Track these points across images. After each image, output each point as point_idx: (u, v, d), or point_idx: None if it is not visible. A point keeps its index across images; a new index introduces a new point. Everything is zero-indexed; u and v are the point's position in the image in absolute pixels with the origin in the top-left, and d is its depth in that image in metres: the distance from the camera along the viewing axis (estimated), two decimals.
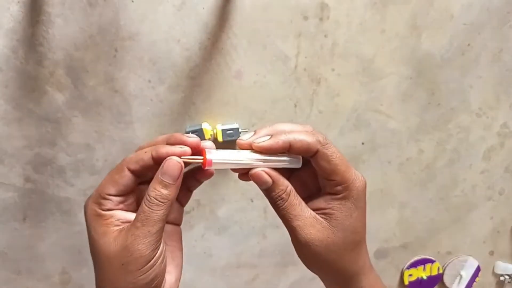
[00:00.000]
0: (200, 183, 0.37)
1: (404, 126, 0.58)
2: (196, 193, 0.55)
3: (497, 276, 0.70)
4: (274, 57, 0.51)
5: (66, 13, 0.46)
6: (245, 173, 0.34)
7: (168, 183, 0.31)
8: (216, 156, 0.32)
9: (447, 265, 0.67)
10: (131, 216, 0.32)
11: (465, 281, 0.68)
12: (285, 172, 0.35)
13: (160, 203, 0.31)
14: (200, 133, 0.50)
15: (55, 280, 0.55)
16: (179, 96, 0.51)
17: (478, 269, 0.68)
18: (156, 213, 0.31)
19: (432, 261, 0.66)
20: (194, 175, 0.36)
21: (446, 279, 0.68)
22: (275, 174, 0.33)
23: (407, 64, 0.55)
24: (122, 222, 0.32)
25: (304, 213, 0.33)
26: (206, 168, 0.33)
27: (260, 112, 0.53)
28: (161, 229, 0.31)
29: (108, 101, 0.49)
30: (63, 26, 0.46)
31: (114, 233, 0.31)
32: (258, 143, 0.32)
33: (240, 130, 0.52)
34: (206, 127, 0.50)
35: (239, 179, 0.51)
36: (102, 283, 0.32)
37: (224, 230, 0.58)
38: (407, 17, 0.53)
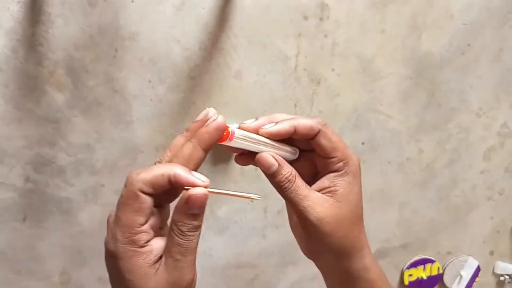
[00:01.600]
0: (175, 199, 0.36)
1: (404, 126, 0.58)
2: None
3: (497, 276, 0.70)
4: (274, 57, 0.51)
5: (66, 13, 0.46)
6: (243, 157, 0.36)
7: (197, 214, 0.31)
8: (238, 132, 0.33)
9: (447, 265, 0.67)
10: (162, 242, 0.31)
11: (465, 281, 0.68)
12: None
13: (193, 233, 0.31)
14: None
15: (55, 280, 0.55)
16: (179, 96, 0.51)
17: (478, 269, 0.68)
18: (193, 242, 0.31)
19: (432, 261, 0.66)
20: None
21: (446, 279, 0.68)
22: (280, 158, 0.34)
23: (407, 64, 0.55)
24: (159, 257, 0.31)
25: (311, 194, 0.34)
26: (225, 142, 0.34)
27: (260, 112, 0.53)
28: (196, 255, 0.31)
29: (108, 101, 0.49)
30: (63, 26, 0.46)
31: (153, 270, 0.30)
32: (266, 128, 0.34)
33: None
34: None
35: (238, 179, 0.52)
36: None
37: (224, 230, 0.58)
38: (407, 17, 0.53)
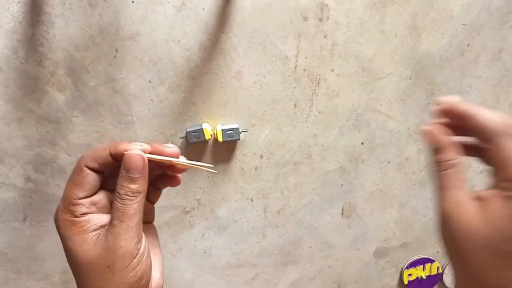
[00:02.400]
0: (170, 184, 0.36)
1: (403, 126, 0.58)
2: (196, 193, 0.55)
3: None
4: (274, 58, 0.51)
5: (67, 13, 0.46)
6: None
7: (135, 177, 0.30)
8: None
9: (447, 264, 0.67)
10: (107, 218, 0.32)
11: None
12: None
13: (132, 197, 0.30)
14: (200, 133, 0.50)
15: (56, 280, 0.55)
16: (179, 96, 0.51)
17: None
18: (131, 207, 0.30)
19: (431, 261, 0.66)
20: (163, 179, 0.36)
21: (446, 279, 0.68)
22: (448, 141, 0.31)
23: (407, 64, 0.55)
24: (99, 226, 0.31)
25: (465, 184, 0.30)
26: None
27: (260, 112, 0.53)
28: (140, 223, 0.31)
29: (109, 101, 0.49)
30: (64, 26, 0.46)
31: (92, 238, 0.30)
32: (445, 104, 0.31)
33: (240, 130, 0.52)
34: (206, 127, 0.50)
35: (238, 179, 0.52)
36: None
37: (224, 229, 0.58)
38: (406, 18, 0.53)
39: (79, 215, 0.31)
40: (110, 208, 0.32)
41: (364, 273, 0.65)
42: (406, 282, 0.66)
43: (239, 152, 0.54)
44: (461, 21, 0.55)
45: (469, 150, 0.32)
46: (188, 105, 0.51)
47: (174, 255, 0.57)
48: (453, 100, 0.31)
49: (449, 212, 0.29)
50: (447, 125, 0.31)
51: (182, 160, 0.33)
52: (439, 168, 0.31)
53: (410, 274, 0.66)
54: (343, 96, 0.55)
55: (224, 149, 0.54)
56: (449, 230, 0.30)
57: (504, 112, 0.61)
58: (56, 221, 0.32)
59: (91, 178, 0.31)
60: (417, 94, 0.57)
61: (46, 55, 0.47)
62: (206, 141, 0.52)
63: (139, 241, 0.31)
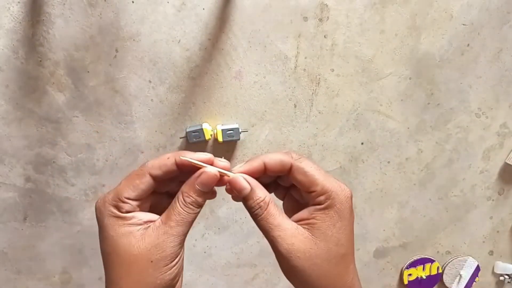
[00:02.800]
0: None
1: (403, 126, 0.58)
2: None
3: (497, 276, 0.71)
4: (274, 58, 0.51)
5: (67, 13, 0.46)
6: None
7: (203, 192, 0.33)
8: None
9: (447, 264, 0.67)
10: (152, 216, 0.33)
11: (464, 281, 0.68)
12: (281, 192, 0.37)
13: (195, 208, 0.33)
14: (200, 133, 0.50)
15: (56, 280, 0.56)
16: (179, 96, 0.51)
17: (477, 269, 0.68)
18: (190, 216, 0.33)
19: (431, 261, 0.66)
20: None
21: (446, 279, 0.68)
22: (254, 182, 0.33)
23: (407, 64, 0.55)
24: (143, 222, 0.33)
25: (284, 223, 0.33)
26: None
27: (260, 112, 0.53)
28: (188, 232, 0.33)
29: (109, 101, 0.49)
30: (64, 26, 0.46)
31: (139, 231, 0.32)
32: (237, 168, 0.34)
33: (240, 130, 0.52)
34: (206, 127, 0.50)
35: None
36: (122, 281, 0.32)
37: (224, 229, 0.58)
38: (406, 18, 0.53)
39: (124, 212, 0.32)
40: (151, 207, 0.35)
41: (364, 273, 0.65)
42: (406, 282, 0.66)
43: (239, 152, 0.54)
44: (461, 21, 0.55)
45: (271, 189, 0.36)
46: (188, 105, 0.51)
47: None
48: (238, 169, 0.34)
49: (289, 250, 0.32)
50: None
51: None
52: (260, 211, 0.33)
53: (410, 274, 0.66)
54: (343, 96, 0.55)
55: (224, 149, 0.54)
56: (293, 265, 0.32)
57: (504, 112, 0.61)
58: (100, 209, 0.33)
59: (149, 184, 0.33)
60: (417, 94, 0.57)
61: (46, 55, 0.47)
62: (206, 141, 0.52)
63: (182, 246, 0.33)
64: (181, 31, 0.48)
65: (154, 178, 0.33)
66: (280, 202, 0.38)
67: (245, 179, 0.33)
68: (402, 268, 0.66)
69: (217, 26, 0.49)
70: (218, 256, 0.59)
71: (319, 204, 0.33)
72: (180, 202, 0.33)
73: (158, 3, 0.47)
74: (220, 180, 0.34)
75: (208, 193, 0.33)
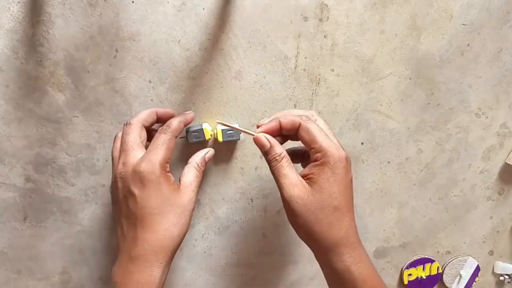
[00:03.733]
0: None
1: (403, 126, 0.58)
2: None
3: (497, 276, 0.71)
4: (274, 58, 0.51)
5: (67, 13, 0.46)
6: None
7: (206, 162, 0.47)
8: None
9: (447, 264, 0.67)
10: (173, 178, 0.42)
11: (464, 281, 0.68)
12: (297, 157, 0.46)
13: (202, 171, 0.45)
14: (200, 133, 0.50)
15: (56, 280, 0.56)
16: (179, 96, 0.51)
17: (477, 269, 0.68)
18: (200, 178, 0.44)
19: (431, 261, 0.66)
20: None
21: (446, 279, 0.68)
22: (273, 140, 0.41)
23: (407, 64, 0.55)
24: (174, 182, 0.42)
25: (291, 174, 0.39)
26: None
27: (260, 112, 0.53)
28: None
29: (109, 101, 0.49)
30: (64, 26, 0.46)
31: (176, 190, 0.41)
32: (261, 125, 0.42)
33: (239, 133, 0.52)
34: (206, 127, 0.50)
35: (238, 179, 0.54)
36: (175, 226, 0.40)
37: (224, 229, 0.58)
38: (406, 18, 0.53)
39: (168, 171, 0.41)
40: None
41: None
42: (406, 282, 0.66)
43: (239, 152, 0.54)
44: (461, 21, 0.55)
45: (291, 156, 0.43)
46: (188, 105, 0.51)
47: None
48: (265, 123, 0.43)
49: (290, 195, 0.38)
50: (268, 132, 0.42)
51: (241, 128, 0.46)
52: (275, 162, 0.40)
53: (410, 274, 0.66)
54: (343, 96, 0.55)
55: (224, 149, 0.54)
56: (293, 208, 0.39)
57: (504, 112, 0.61)
58: (152, 171, 0.39)
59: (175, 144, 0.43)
60: (417, 94, 0.57)
61: (46, 55, 0.47)
62: (206, 141, 0.52)
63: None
64: (181, 31, 0.48)
65: (176, 137, 0.43)
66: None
67: (266, 137, 0.41)
68: (402, 268, 0.66)
69: (217, 26, 0.49)
70: (218, 256, 0.59)
71: (316, 160, 0.39)
72: (196, 166, 0.44)
73: (158, 3, 0.47)
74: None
75: (207, 162, 0.46)
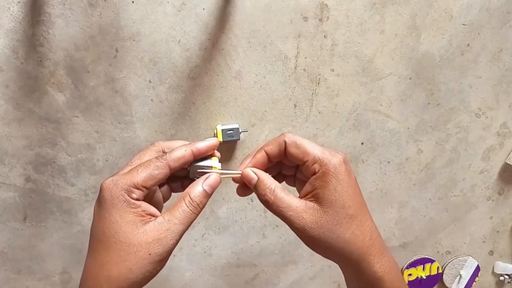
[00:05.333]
0: (183, 190, 0.40)
1: (403, 126, 0.58)
2: None
3: (497, 276, 0.71)
4: (274, 58, 0.51)
5: (67, 13, 0.46)
6: (243, 188, 0.38)
7: (208, 194, 0.36)
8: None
9: (447, 264, 0.67)
10: (153, 210, 0.35)
11: (464, 281, 0.68)
12: (291, 179, 0.40)
13: (199, 208, 0.35)
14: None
15: (56, 280, 0.56)
16: (179, 96, 0.51)
17: (477, 269, 0.68)
18: (194, 216, 0.35)
19: (431, 261, 0.66)
20: (182, 183, 0.39)
21: (446, 279, 0.68)
22: (260, 172, 0.37)
23: (407, 64, 0.55)
24: (146, 214, 0.34)
25: (293, 203, 0.35)
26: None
27: (260, 112, 0.53)
28: (186, 230, 0.35)
29: (109, 101, 0.49)
30: (64, 26, 0.46)
31: (141, 223, 0.33)
32: (246, 164, 0.38)
33: (240, 130, 0.52)
34: (216, 164, 0.40)
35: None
36: (115, 266, 0.33)
37: (224, 229, 0.58)
38: (406, 18, 0.53)
39: (135, 198, 0.34)
40: (152, 200, 0.37)
41: None
42: (406, 282, 0.66)
43: (239, 152, 0.54)
44: (461, 21, 0.55)
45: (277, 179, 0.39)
46: (188, 105, 0.51)
47: (174, 255, 0.57)
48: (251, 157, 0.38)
49: (303, 225, 0.34)
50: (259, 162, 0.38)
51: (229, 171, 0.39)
52: (268, 197, 0.36)
53: (410, 274, 0.66)
54: (343, 96, 0.55)
55: (224, 149, 0.54)
56: (310, 236, 0.35)
57: (504, 112, 0.61)
58: (111, 191, 0.33)
59: (166, 176, 0.35)
60: (417, 94, 0.57)
61: (46, 55, 0.47)
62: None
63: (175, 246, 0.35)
64: (181, 31, 0.48)
65: (171, 170, 0.35)
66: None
67: (252, 171, 0.37)
68: (402, 268, 0.66)
69: (217, 26, 0.49)
70: (218, 256, 0.59)
71: (314, 173, 0.35)
72: (187, 202, 0.35)
73: (158, 3, 0.47)
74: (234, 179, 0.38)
75: (210, 195, 0.36)
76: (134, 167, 0.34)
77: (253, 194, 0.57)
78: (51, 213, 0.53)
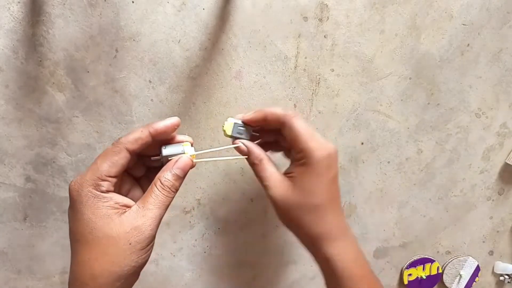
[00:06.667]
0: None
1: (403, 126, 0.58)
2: (196, 193, 0.56)
3: (497, 276, 0.71)
4: (274, 58, 0.51)
5: (67, 13, 0.46)
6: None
7: (179, 176, 0.36)
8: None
9: (447, 264, 0.67)
10: (128, 201, 0.35)
11: (464, 281, 0.68)
12: (279, 147, 0.45)
13: (172, 192, 0.35)
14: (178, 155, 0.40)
15: (56, 280, 0.56)
16: (179, 97, 0.51)
17: (477, 269, 0.68)
18: (168, 199, 0.35)
19: (431, 261, 0.66)
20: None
21: (446, 279, 0.68)
22: (252, 145, 0.41)
23: (407, 64, 0.55)
24: (121, 206, 0.34)
25: (273, 175, 0.39)
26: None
27: None
28: (163, 215, 0.35)
29: (109, 101, 0.49)
30: (64, 26, 0.46)
31: (116, 215, 0.33)
32: (243, 115, 0.42)
33: (252, 131, 0.45)
34: (188, 150, 0.39)
35: (238, 179, 0.54)
36: (97, 262, 0.32)
37: (224, 229, 0.58)
38: (406, 18, 0.53)
39: (104, 191, 0.33)
40: (123, 191, 0.37)
41: None
42: (406, 282, 0.66)
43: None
44: (461, 21, 0.55)
45: (273, 147, 0.45)
46: (188, 105, 0.51)
47: (174, 255, 0.57)
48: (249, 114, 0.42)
49: (273, 196, 0.39)
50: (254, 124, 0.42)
51: (220, 158, 0.44)
52: (255, 166, 0.40)
53: (410, 274, 0.66)
54: (343, 96, 0.55)
55: (224, 149, 0.54)
56: (277, 207, 0.39)
57: (504, 112, 0.61)
58: (77, 190, 0.33)
59: (127, 159, 0.35)
60: (417, 94, 0.57)
61: (46, 55, 0.47)
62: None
63: (157, 230, 0.35)
64: (181, 31, 0.48)
65: (131, 152, 0.35)
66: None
67: (244, 144, 0.41)
68: (402, 268, 0.66)
69: (217, 26, 0.49)
70: (218, 256, 0.59)
71: (298, 160, 0.39)
72: (159, 186, 0.35)
73: (158, 3, 0.47)
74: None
75: (182, 178, 0.36)
76: (93, 162, 0.34)
77: (253, 194, 0.57)
78: (51, 213, 0.53)
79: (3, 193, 0.51)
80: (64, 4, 0.45)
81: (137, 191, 0.39)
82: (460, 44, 0.56)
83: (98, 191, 0.33)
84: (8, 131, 0.49)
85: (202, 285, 0.60)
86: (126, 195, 0.38)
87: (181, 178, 0.36)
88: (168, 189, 0.35)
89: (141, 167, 0.40)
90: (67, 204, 0.53)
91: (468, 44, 0.56)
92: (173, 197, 0.36)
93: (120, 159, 0.34)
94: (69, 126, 0.50)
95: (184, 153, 0.38)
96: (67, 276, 0.56)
